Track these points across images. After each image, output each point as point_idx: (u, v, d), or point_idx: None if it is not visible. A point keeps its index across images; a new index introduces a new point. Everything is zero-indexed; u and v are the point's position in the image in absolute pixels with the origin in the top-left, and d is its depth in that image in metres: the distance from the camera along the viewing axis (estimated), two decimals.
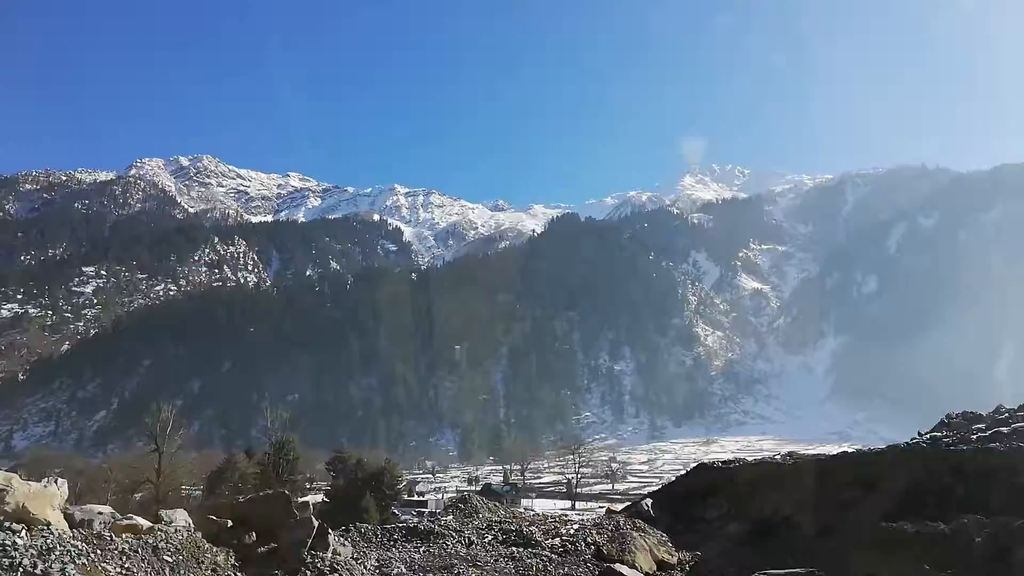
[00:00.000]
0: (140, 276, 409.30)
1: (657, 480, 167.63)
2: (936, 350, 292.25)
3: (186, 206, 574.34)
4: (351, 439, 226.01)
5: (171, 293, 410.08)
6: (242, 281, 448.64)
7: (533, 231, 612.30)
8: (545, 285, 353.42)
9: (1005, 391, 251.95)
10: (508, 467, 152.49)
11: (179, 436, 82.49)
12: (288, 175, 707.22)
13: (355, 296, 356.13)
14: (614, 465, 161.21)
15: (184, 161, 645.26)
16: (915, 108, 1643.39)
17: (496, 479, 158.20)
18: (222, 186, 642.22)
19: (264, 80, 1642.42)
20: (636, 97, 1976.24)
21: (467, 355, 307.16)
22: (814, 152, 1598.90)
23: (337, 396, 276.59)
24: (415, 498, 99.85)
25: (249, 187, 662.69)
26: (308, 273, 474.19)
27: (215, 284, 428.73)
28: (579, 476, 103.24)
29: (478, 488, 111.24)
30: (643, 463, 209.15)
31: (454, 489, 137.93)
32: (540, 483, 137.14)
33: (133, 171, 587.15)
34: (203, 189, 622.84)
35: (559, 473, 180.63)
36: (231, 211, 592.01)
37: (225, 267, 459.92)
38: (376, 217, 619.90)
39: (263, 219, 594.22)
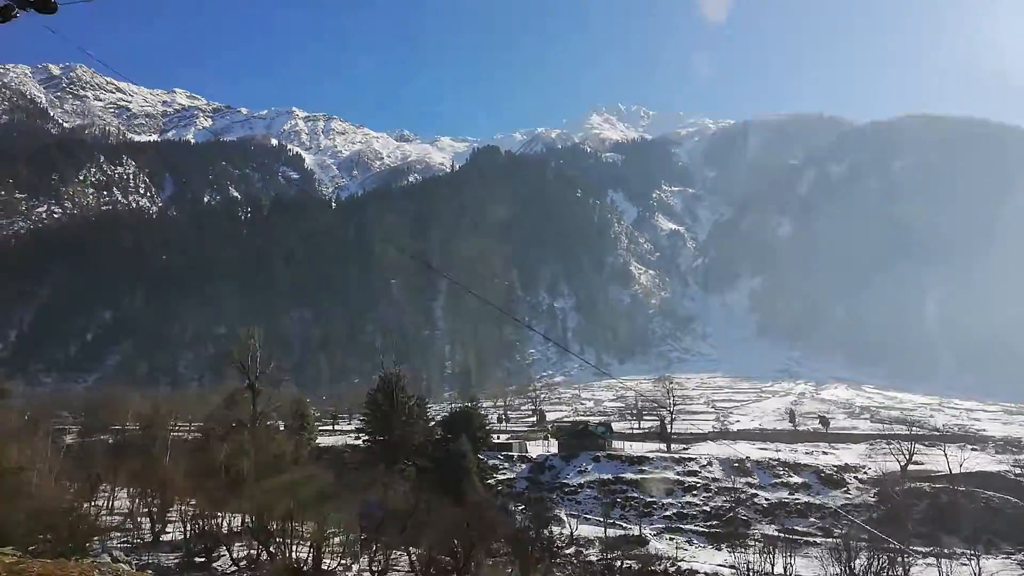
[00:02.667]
0: (19, 196, 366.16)
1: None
2: (861, 291, 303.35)
3: (60, 120, 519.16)
4: (288, 376, 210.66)
5: (55, 215, 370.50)
6: (134, 204, 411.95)
7: (442, 164, 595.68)
8: (476, 219, 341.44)
9: (934, 330, 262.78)
10: (533, 398, 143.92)
11: (270, 369, 68.80)
12: (174, 91, 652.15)
13: (274, 224, 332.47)
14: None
15: (55, 70, 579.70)
16: (810, 60, 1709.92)
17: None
18: (100, 100, 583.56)
19: None
20: (543, 35, 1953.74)
21: (404, 290, 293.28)
22: (714, 96, 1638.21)
23: (269, 330, 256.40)
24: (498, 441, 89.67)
25: (131, 103, 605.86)
26: (206, 199, 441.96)
27: (104, 207, 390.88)
28: (673, 416, 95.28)
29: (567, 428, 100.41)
30: (613, 400, 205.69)
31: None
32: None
33: None
34: (78, 102, 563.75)
35: (534, 410, 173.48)
36: (112, 128, 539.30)
37: (115, 189, 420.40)
38: (274, 142, 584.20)
39: (149, 138, 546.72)
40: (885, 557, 59.35)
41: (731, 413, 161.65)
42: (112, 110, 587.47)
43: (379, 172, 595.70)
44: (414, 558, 43.38)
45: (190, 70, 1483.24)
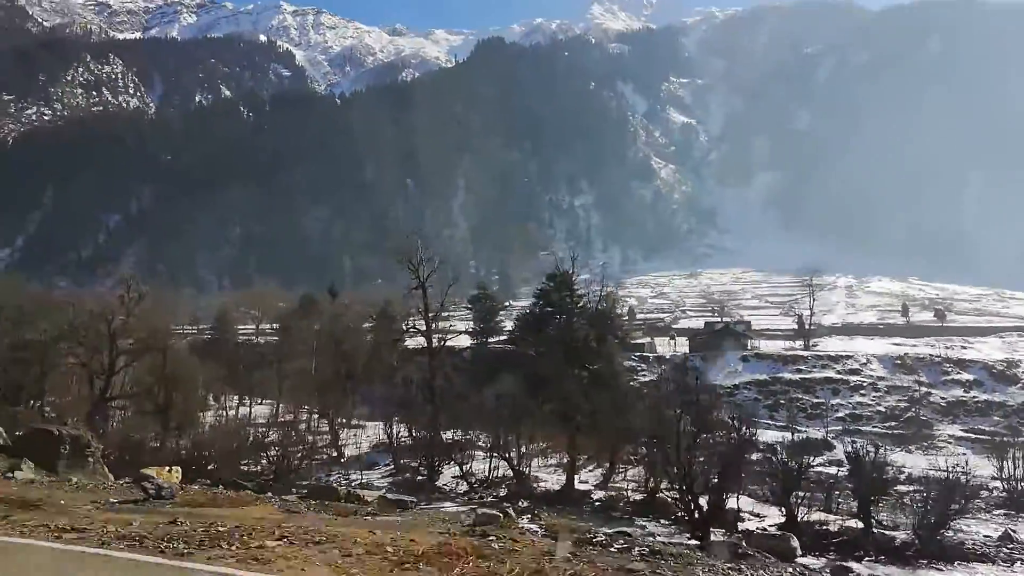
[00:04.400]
0: (7, 97, 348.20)
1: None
2: (889, 184, 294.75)
3: (39, 18, 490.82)
4: (310, 277, 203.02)
5: (45, 117, 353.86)
6: (125, 105, 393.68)
7: (437, 58, 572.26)
8: (489, 114, 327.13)
9: (969, 219, 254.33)
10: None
11: (436, 268, 61.22)
12: None
13: (278, 122, 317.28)
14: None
15: None
16: None
17: None
18: None
19: None
20: None
21: (420, 188, 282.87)
22: None
23: (288, 229, 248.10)
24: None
25: None
26: (198, 98, 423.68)
27: (95, 108, 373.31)
28: (813, 312, 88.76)
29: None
30: (654, 296, 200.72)
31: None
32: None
33: None
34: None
35: None
36: (94, 26, 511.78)
37: (103, 89, 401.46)
38: (263, 38, 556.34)
39: (132, 36, 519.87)
40: None
41: (794, 307, 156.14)
42: (92, 7, 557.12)
43: (373, 68, 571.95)
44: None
45: None
